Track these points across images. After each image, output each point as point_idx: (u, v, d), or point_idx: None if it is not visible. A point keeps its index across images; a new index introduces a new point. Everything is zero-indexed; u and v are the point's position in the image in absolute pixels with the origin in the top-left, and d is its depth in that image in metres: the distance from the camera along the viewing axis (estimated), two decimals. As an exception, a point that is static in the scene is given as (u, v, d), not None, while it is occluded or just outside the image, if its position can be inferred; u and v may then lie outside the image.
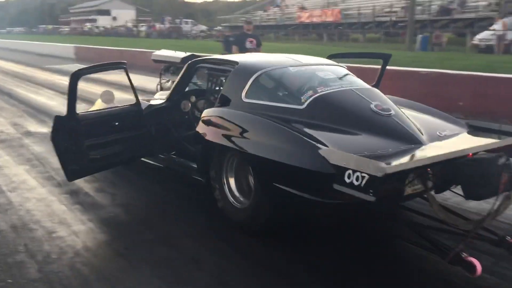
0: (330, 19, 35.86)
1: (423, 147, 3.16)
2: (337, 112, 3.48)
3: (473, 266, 2.70)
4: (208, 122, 3.90)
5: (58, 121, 3.86)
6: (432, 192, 3.04)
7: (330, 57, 4.73)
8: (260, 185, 3.41)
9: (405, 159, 2.77)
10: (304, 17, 38.30)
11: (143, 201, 4.48)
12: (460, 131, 3.58)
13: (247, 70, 4.02)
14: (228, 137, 3.64)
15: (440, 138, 3.35)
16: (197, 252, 3.45)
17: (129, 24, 58.20)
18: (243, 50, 8.68)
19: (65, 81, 15.06)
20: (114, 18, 67.57)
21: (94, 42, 33.22)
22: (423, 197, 3.41)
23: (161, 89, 6.16)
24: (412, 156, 2.93)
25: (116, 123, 4.23)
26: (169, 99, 4.72)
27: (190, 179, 4.28)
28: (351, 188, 2.77)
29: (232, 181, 3.87)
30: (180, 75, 4.66)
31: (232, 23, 47.72)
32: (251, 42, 9.01)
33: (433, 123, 3.65)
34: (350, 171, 2.78)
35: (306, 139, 3.12)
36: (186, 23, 52.28)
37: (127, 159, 4.47)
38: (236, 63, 4.13)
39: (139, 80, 14.98)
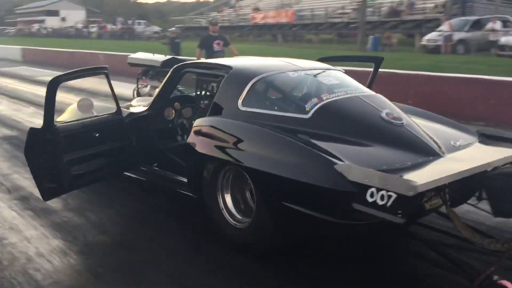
0: (284, 20, 35.78)
1: (442, 159, 2.93)
2: (347, 122, 3.21)
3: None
4: (200, 133, 3.54)
5: (33, 134, 3.41)
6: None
7: (320, 60, 4.46)
8: (266, 204, 3.09)
9: (432, 174, 2.52)
10: (259, 18, 38.06)
11: (96, 204, 4.28)
12: (472, 140, 3.38)
13: (243, 76, 3.68)
14: (225, 150, 3.31)
15: (456, 148, 3.13)
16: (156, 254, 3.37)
17: (79, 25, 56.24)
18: (210, 53, 8.25)
19: (11, 84, 14.43)
20: (63, 19, 65.13)
21: (42, 43, 31.73)
22: (438, 212, 3.20)
23: (138, 94, 5.72)
24: (437, 170, 2.69)
25: (97, 134, 3.81)
26: (151, 106, 4.31)
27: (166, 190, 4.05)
28: (375, 208, 2.51)
29: (228, 197, 3.54)
30: (164, 80, 4.26)
31: (186, 24, 46.96)
32: (218, 44, 8.50)
33: (444, 132, 3.43)
34: (373, 189, 2.52)
35: (319, 153, 2.83)
36: (139, 24, 51.00)
37: (110, 173, 4.05)
38: (230, 67, 3.78)
39: (93, 84, 14.49)
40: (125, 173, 4.34)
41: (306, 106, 3.33)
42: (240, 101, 3.51)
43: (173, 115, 4.38)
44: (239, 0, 44.70)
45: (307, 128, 3.18)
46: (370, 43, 25.15)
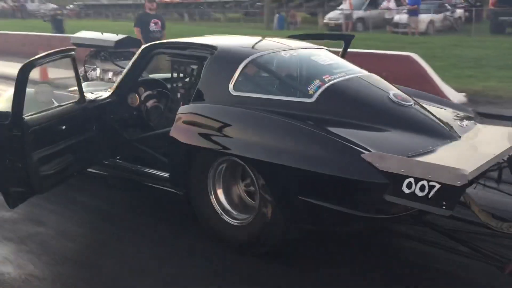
0: (190, -2, 34.85)
1: (462, 142, 2.78)
2: (357, 105, 2.93)
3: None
4: (187, 122, 3.10)
5: None
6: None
7: (291, 37, 4.13)
8: (277, 199, 2.75)
9: (472, 160, 2.35)
10: (164, -4, 36.65)
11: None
12: (474, 119, 3.26)
13: (232, 57, 3.25)
14: (220, 140, 2.91)
15: (465, 129, 2.99)
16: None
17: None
18: (146, 33, 7.41)
19: None
20: None
21: None
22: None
23: (86, 79, 4.99)
24: (471, 154, 2.53)
25: (63, 127, 3.22)
26: (115, 92, 3.73)
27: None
28: (413, 200, 2.29)
29: (220, 192, 3.16)
30: (131, 62, 3.68)
31: (86, 2, 44.09)
32: (155, 24, 7.59)
33: (447, 112, 3.28)
34: (411, 180, 2.30)
35: (340, 141, 2.55)
36: (32, 1, 46.93)
37: (77, 170, 3.48)
38: (214, 47, 3.31)
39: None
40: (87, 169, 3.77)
41: (308, 88, 3.00)
42: (231, 85, 3.10)
43: (138, 102, 3.83)
44: (143, -24, 42.69)
45: (312, 113, 2.86)
46: (276, 22, 25.31)
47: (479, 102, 7.50)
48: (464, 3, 22.46)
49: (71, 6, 45.08)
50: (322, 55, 3.52)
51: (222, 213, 3.11)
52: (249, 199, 3.14)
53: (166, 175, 3.37)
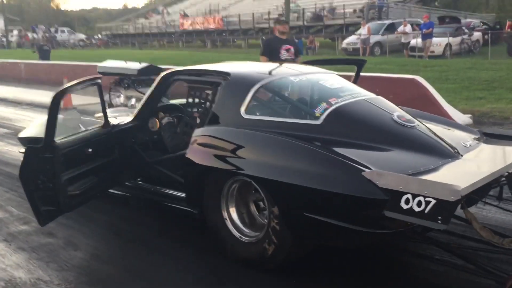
0: (212, 26, 35.56)
1: (462, 160, 2.87)
2: (361, 126, 3.07)
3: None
4: (202, 144, 3.27)
5: (31, 153, 3.02)
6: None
7: (305, 63, 4.30)
8: (284, 216, 2.89)
9: (468, 177, 2.45)
10: (187, 24, 37.53)
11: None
12: (478, 139, 3.36)
13: (243, 82, 3.43)
14: (232, 160, 3.06)
15: (468, 149, 3.09)
16: None
17: (-3, 35, 52.52)
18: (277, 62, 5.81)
19: None
20: (-21, 28, 60.53)
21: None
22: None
23: (111, 105, 5.26)
24: (468, 172, 2.63)
25: (89, 150, 3.44)
26: (137, 117, 3.95)
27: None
28: (411, 215, 2.39)
29: (233, 211, 3.30)
30: (152, 88, 3.90)
31: (114, 31, 45.40)
32: (287, 51, 5.87)
33: (451, 132, 3.38)
34: (409, 196, 2.41)
35: (344, 160, 2.68)
36: (62, 31, 48.52)
37: (101, 191, 3.69)
38: (227, 74, 3.50)
39: (15, 92, 13.75)
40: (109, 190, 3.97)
41: (315, 111, 3.15)
42: (243, 109, 3.27)
43: (158, 126, 4.04)
44: (167, 6, 43.82)
45: (319, 134, 3.01)
46: (295, 47, 25.64)
47: (485, 123, 7.55)
48: (482, 26, 22.45)
49: (100, 35, 46.46)
50: (330, 80, 3.68)
51: (235, 230, 3.24)
52: (260, 217, 3.27)
53: (182, 195, 3.53)
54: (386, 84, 7.98)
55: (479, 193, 3.03)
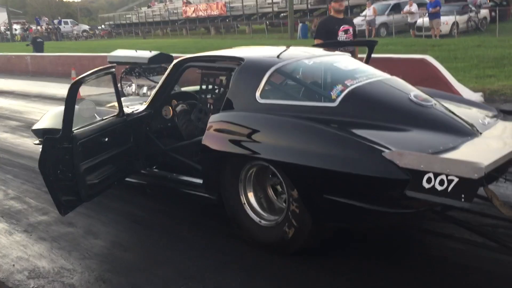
0: (215, 12, 35.36)
1: (481, 138, 2.85)
2: (377, 107, 3.04)
3: None
4: (218, 130, 3.27)
5: (50, 143, 3.03)
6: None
7: (315, 46, 4.26)
8: (304, 199, 2.89)
9: (490, 154, 2.43)
10: (190, 12, 37.35)
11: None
12: (496, 116, 3.32)
13: (258, 67, 3.41)
14: (249, 145, 3.05)
15: (487, 126, 3.06)
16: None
17: (2, 28, 52.56)
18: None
19: None
20: (-17, 22, 60.55)
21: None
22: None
23: (123, 94, 5.27)
24: (489, 149, 2.61)
25: (106, 139, 3.47)
26: (150, 105, 3.96)
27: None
28: (433, 194, 2.38)
29: (251, 195, 3.30)
30: (164, 76, 3.89)
31: (117, 21, 45.25)
32: (345, 31, 5.21)
33: (468, 111, 3.35)
34: (431, 175, 2.40)
35: (363, 142, 2.67)
36: (66, 23, 48.46)
37: (118, 179, 3.71)
38: (241, 59, 3.49)
39: (20, 85, 13.81)
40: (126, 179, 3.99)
41: (331, 93, 3.13)
42: (258, 93, 3.26)
43: (171, 113, 4.04)
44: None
45: (336, 116, 2.99)
46: (299, 31, 25.44)
47: (496, 101, 7.48)
48: (489, 3, 22.13)
49: (103, 26, 46.35)
50: (344, 61, 3.65)
51: (253, 215, 3.25)
52: (278, 201, 3.28)
53: (199, 181, 3.54)
54: (395, 64, 7.90)
55: (499, 170, 3.02)
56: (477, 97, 7.65)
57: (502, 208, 2.80)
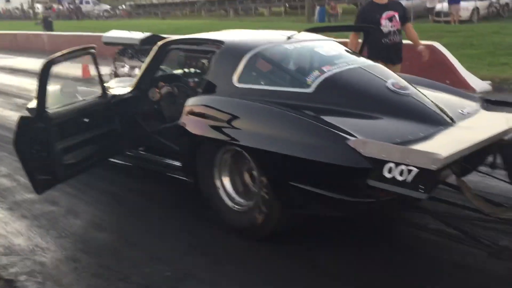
0: (235, -6, 35.07)
1: (455, 128, 2.79)
2: (352, 94, 2.99)
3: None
4: (194, 113, 3.26)
5: (24, 123, 3.08)
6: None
7: (308, 31, 4.18)
8: (271, 185, 2.88)
9: (453, 145, 2.38)
10: (209, -7, 37.12)
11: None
12: (477, 106, 3.24)
13: (237, 50, 3.38)
14: (223, 130, 3.05)
15: (464, 116, 2.99)
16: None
17: (25, 6, 53.10)
18: (376, 36, 4.51)
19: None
20: (8, 0, 61.34)
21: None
22: (446, 184, 3.09)
23: (116, 75, 5.30)
24: (455, 140, 2.54)
25: (86, 120, 3.49)
26: (136, 87, 3.97)
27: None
28: (393, 184, 2.35)
29: (226, 180, 3.30)
30: (149, 58, 3.90)
31: (137, 1, 45.29)
32: (390, 19, 4.59)
33: (449, 100, 3.26)
34: (392, 165, 2.36)
35: (329, 129, 2.64)
36: (87, 2, 48.68)
37: (99, 160, 3.75)
38: (221, 42, 3.47)
39: (36, 63, 13.86)
40: (110, 159, 4.02)
41: (307, 79, 3.09)
42: (235, 78, 3.24)
43: (158, 96, 4.05)
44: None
45: (310, 103, 2.96)
46: (316, 14, 25.13)
47: (504, 90, 7.29)
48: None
49: (123, 6, 46.46)
50: (327, 47, 3.59)
51: (227, 199, 3.25)
52: (254, 187, 3.27)
53: (179, 164, 3.56)
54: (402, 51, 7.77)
55: (474, 161, 2.97)
56: (484, 85, 7.48)
57: (474, 199, 2.76)
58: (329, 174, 2.60)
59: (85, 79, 9.51)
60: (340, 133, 2.59)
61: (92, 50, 3.57)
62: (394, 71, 4.26)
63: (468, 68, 8.17)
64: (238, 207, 3.21)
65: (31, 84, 10.30)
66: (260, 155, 2.88)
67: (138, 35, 4.97)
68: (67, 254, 3.08)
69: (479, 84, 7.44)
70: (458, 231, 2.76)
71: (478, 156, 2.86)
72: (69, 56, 3.37)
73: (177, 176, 3.61)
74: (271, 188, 2.87)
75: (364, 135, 2.58)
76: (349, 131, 2.61)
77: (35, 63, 14.18)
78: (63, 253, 3.09)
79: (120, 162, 4.11)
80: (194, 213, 3.56)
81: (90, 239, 3.29)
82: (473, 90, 7.15)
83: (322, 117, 2.79)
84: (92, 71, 9.39)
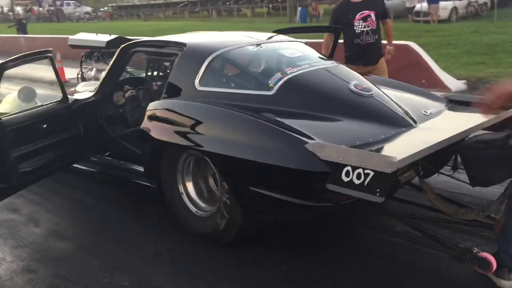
0: (217, -5, 34.97)
1: (415, 130, 2.74)
2: (313, 96, 2.93)
3: (488, 263, 2.37)
4: (155, 118, 3.19)
5: None
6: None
7: (276, 32, 4.12)
8: (232, 190, 2.81)
9: (410, 148, 2.34)
10: (192, -6, 36.95)
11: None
12: (442, 107, 3.20)
13: (198, 53, 3.31)
14: (183, 134, 2.97)
15: (427, 117, 2.95)
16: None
17: (5, 9, 52.36)
18: (350, 37, 4.45)
19: None
20: (-13, 3, 60.39)
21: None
22: (411, 185, 3.05)
23: (83, 79, 5.19)
24: (414, 142, 2.50)
25: (44, 126, 3.37)
26: (99, 91, 3.87)
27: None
28: (351, 188, 2.30)
29: (190, 185, 3.23)
30: (112, 61, 3.81)
31: (119, 3, 44.92)
32: (365, 18, 4.36)
33: (414, 100, 3.22)
34: (349, 168, 2.31)
35: (287, 132, 2.58)
36: (68, 4, 48.15)
37: (59, 167, 3.63)
38: (184, 44, 3.39)
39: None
40: (74, 165, 3.92)
41: (269, 82, 3.02)
42: (197, 81, 3.16)
43: (123, 100, 3.96)
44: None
45: (271, 105, 2.90)
46: (298, 15, 25.16)
47: (479, 89, 7.30)
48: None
49: (105, 8, 46.06)
50: (292, 48, 3.53)
51: (191, 205, 3.18)
52: (218, 191, 3.20)
53: (142, 169, 3.47)
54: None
55: (439, 162, 2.94)
56: (459, 85, 7.50)
57: (436, 201, 2.73)
58: (287, 178, 2.54)
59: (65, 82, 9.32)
60: (299, 136, 2.53)
61: (49, 54, 3.46)
62: (370, 72, 4.25)
63: (445, 68, 8.21)
64: (201, 212, 3.14)
65: (5, 89, 10.12)
66: (220, 160, 2.81)
67: (105, 38, 4.87)
68: (24, 265, 2.98)
69: (454, 84, 7.46)
70: (422, 233, 2.72)
71: (442, 157, 2.84)
72: (23, 61, 3.26)
73: (142, 182, 3.53)
74: (232, 193, 2.81)
75: (324, 138, 2.52)
76: (308, 134, 2.55)
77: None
78: (20, 264, 2.99)
79: (84, 168, 4.01)
80: (158, 220, 3.48)
81: (49, 248, 3.19)
82: (448, 89, 7.18)
83: (281, 120, 2.73)
84: (68, 75, 9.28)
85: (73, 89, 4.83)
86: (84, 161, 3.92)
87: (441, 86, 7.28)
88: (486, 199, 3.13)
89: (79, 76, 5.35)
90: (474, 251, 2.41)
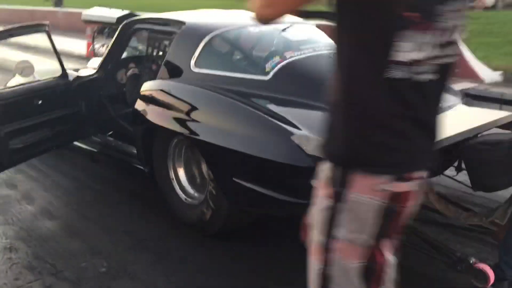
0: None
1: None
2: (310, 83, 2.71)
3: (485, 276, 2.13)
4: (148, 99, 3.05)
5: None
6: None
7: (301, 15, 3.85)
8: (217, 180, 2.65)
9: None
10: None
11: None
12: (455, 101, 2.92)
13: (196, 32, 3.13)
14: (173, 118, 2.82)
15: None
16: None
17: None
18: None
19: None
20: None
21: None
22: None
23: (95, 55, 5.10)
24: None
25: (40, 102, 3.28)
26: (101, 68, 3.76)
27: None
28: None
29: (181, 171, 3.09)
30: (113, 38, 3.70)
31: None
32: None
33: None
34: (337, 164, 2.10)
35: (273, 121, 2.38)
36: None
37: (56, 145, 3.56)
38: (182, 23, 3.22)
39: (40, 40, 13.77)
40: (75, 143, 3.85)
41: (266, 66, 2.82)
42: (193, 62, 2.99)
43: (127, 78, 3.84)
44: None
45: (266, 91, 2.70)
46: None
47: (515, 81, 6.83)
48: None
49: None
50: (297, 31, 3.30)
51: (180, 191, 3.05)
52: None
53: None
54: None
55: (441, 164, 2.69)
56: (494, 76, 7.02)
57: (436, 202, 2.53)
58: (270, 171, 2.36)
59: (88, 58, 9.34)
60: (286, 126, 2.34)
61: (46, 28, 3.35)
62: None
63: (482, 58, 7.69)
64: (190, 200, 3.00)
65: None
66: (206, 147, 2.65)
67: (116, 13, 4.73)
68: (6, 243, 2.92)
69: (489, 74, 6.97)
70: (417, 237, 2.49)
71: (446, 156, 2.58)
72: (16, 33, 3.16)
73: (136, 165, 3.42)
74: (216, 183, 2.65)
75: (315, 130, 2.31)
76: (297, 125, 2.35)
77: (39, 40, 14.14)
78: (3, 242, 2.94)
79: (85, 147, 3.93)
80: (150, 205, 3.37)
81: (36, 227, 3.12)
82: (481, 80, 6.74)
83: (272, 107, 2.53)
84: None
85: (79, 67, 4.73)
86: (84, 139, 3.83)
87: (474, 76, 6.84)
88: (496, 201, 2.85)
89: (91, 52, 5.26)
90: (471, 261, 2.16)
